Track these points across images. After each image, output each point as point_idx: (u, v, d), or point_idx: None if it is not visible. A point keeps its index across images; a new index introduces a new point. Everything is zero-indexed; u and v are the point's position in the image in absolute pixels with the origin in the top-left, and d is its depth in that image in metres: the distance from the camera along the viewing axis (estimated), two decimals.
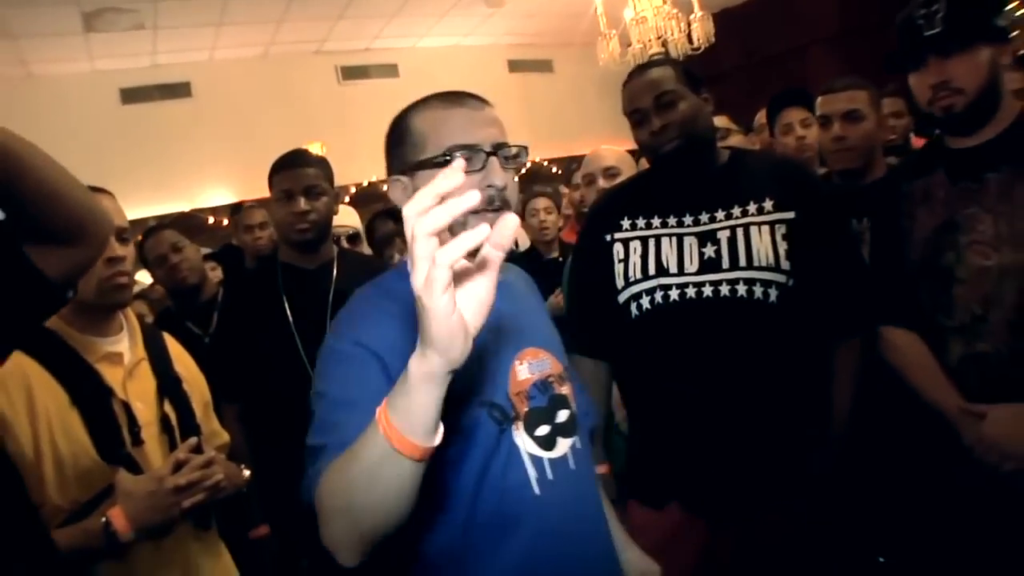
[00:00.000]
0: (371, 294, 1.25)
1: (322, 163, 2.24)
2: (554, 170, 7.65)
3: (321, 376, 1.14)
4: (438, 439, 0.88)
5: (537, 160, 7.71)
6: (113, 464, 1.46)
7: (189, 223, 6.23)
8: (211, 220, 6.41)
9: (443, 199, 0.75)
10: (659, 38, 5.60)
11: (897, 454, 1.92)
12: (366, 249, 3.37)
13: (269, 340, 2.12)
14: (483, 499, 1.10)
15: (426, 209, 0.75)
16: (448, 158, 1.14)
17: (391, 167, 1.25)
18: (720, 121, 2.95)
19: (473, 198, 0.75)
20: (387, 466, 0.88)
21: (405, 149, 1.21)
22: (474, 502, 1.10)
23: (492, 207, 1.14)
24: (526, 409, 1.20)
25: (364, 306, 1.22)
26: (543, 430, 1.21)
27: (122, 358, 1.58)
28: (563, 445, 1.23)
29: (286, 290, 2.18)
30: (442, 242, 0.75)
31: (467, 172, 1.04)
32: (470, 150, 1.15)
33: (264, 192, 7.11)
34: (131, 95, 6.34)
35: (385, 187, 6.66)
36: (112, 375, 1.53)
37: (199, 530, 1.60)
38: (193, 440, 1.55)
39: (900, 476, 1.91)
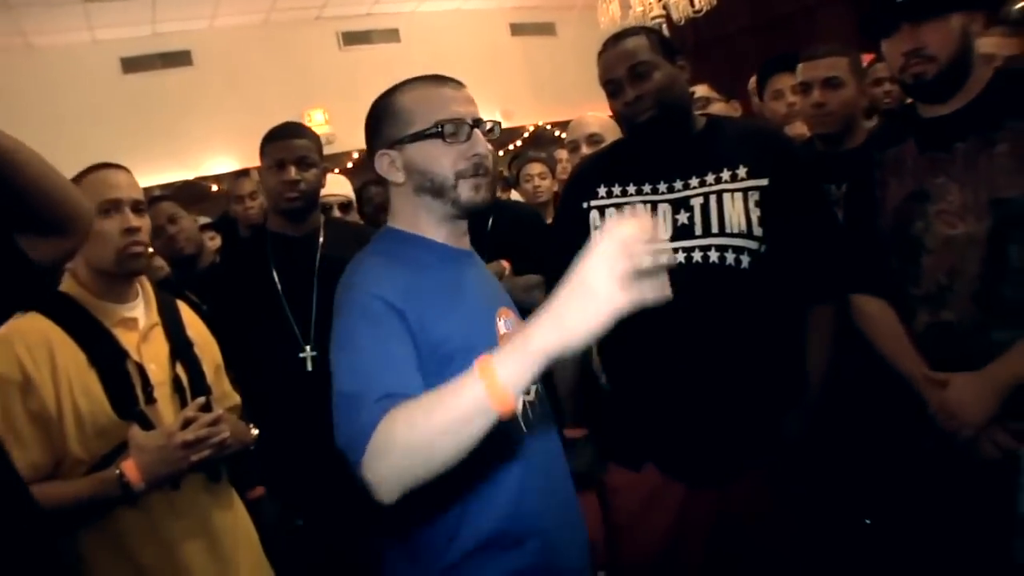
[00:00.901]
0: (377, 255, 1.35)
1: (312, 135, 2.32)
2: (557, 133, 7.66)
3: (348, 327, 1.23)
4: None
5: (540, 123, 7.72)
6: (128, 420, 1.57)
7: (193, 191, 6.30)
8: (215, 188, 6.48)
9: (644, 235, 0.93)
10: (660, 1, 5.60)
11: (870, 418, 1.95)
12: (357, 218, 3.43)
13: (258, 306, 2.21)
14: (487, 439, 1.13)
15: (637, 244, 0.93)
16: (438, 130, 1.30)
17: (376, 143, 1.37)
18: (702, 90, 2.97)
19: (663, 243, 0.96)
20: (479, 418, 0.99)
21: (392, 125, 1.34)
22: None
23: (479, 172, 1.33)
24: None
25: (374, 263, 1.32)
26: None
27: (137, 323, 1.68)
28: (532, 389, 1.40)
29: (275, 258, 2.26)
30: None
31: (453, 142, 1.31)
32: (456, 124, 1.31)
33: None
34: (132, 64, 6.35)
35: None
36: (127, 338, 1.63)
37: (210, 482, 1.70)
38: (201, 400, 1.66)
39: (873, 440, 1.94)
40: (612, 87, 1.83)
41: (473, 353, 1.15)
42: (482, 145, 1.34)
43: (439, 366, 1.21)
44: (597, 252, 0.94)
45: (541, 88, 7.74)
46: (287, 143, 2.24)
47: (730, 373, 1.74)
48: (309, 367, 2.17)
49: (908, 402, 1.73)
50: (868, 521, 2.21)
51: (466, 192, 1.32)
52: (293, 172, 2.19)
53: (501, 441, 1.22)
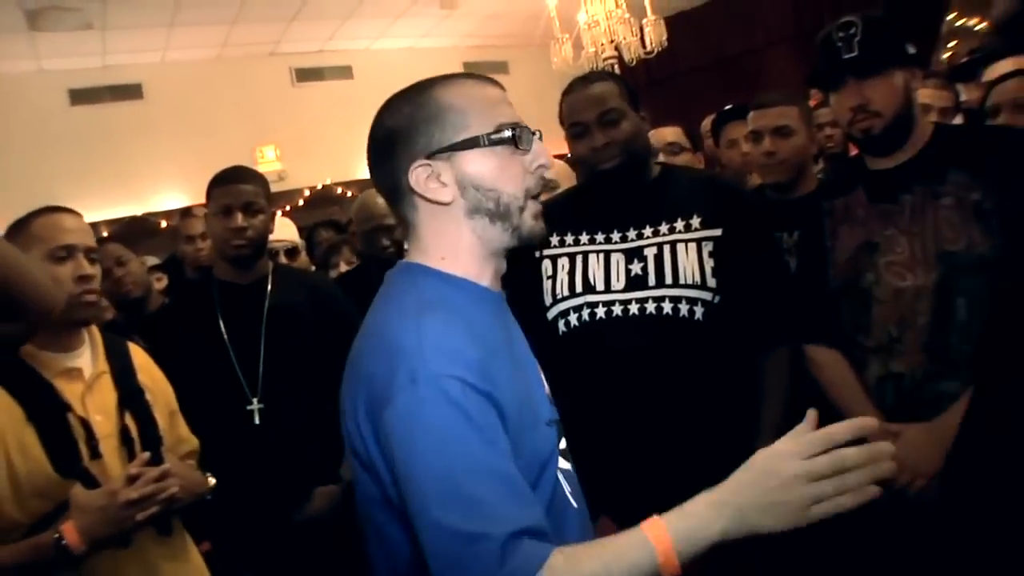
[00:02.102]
0: (430, 311, 1.00)
1: (260, 179, 2.27)
2: None
3: (425, 430, 0.91)
4: None
5: None
6: (70, 478, 1.49)
7: (141, 227, 6.16)
8: (163, 224, 6.36)
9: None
10: (612, 42, 5.70)
11: None
12: (305, 263, 3.39)
13: (204, 355, 2.15)
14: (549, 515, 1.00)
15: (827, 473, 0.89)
16: (511, 136, 1.05)
17: (409, 152, 1.06)
18: (673, 135, 3.00)
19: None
20: None
21: (436, 128, 1.05)
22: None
23: (542, 190, 1.11)
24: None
25: (432, 327, 0.98)
26: (563, 443, 1.17)
27: (82, 373, 1.62)
28: (567, 457, 1.18)
29: (222, 306, 2.21)
30: None
31: (521, 151, 1.06)
32: (523, 129, 1.07)
33: None
34: (81, 96, 6.25)
35: (340, 190, 6.71)
36: (70, 390, 1.57)
37: (161, 536, 1.64)
38: (146, 455, 1.59)
39: None
40: (578, 129, 1.82)
41: (541, 422, 1.06)
42: (546, 155, 1.10)
43: (531, 430, 1.03)
44: (801, 466, 0.91)
45: None
46: (234, 188, 2.18)
47: (685, 423, 1.73)
48: (257, 420, 2.12)
49: None
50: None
51: (530, 218, 1.08)
52: (240, 219, 2.14)
53: (556, 517, 1.07)
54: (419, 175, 1.05)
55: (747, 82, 6.31)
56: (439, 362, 0.93)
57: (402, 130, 1.07)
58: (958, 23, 4.55)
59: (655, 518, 0.93)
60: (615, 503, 1.78)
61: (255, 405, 2.12)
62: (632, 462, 1.75)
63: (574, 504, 1.13)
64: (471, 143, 1.04)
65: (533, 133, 1.09)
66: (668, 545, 0.90)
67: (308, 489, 2.13)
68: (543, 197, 2.54)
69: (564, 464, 1.14)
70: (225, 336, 2.17)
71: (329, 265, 3.30)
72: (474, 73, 1.14)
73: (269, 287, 2.24)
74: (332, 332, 2.09)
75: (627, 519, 1.74)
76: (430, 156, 1.05)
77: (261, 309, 2.19)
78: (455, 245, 1.07)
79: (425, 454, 0.90)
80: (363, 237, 2.82)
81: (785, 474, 0.90)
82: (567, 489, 1.12)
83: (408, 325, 0.97)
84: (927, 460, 1.60)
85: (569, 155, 1.90)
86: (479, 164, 1.05)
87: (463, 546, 0.86)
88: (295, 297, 2.24)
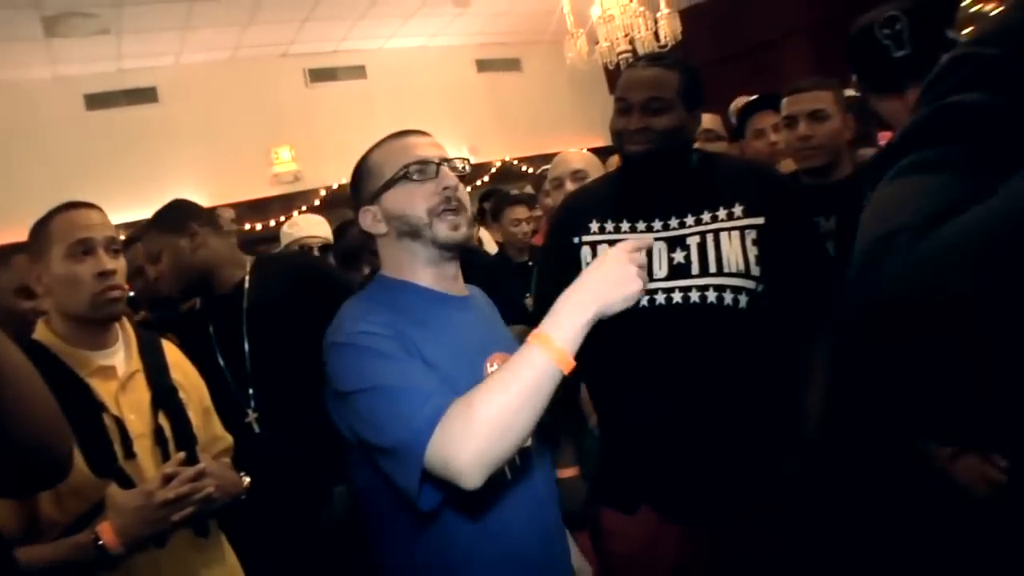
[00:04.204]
0: (360, 301, 1.39)
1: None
2: (524, 168, 7.68)
3: (356, 372, 1.24)
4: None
5: (507, 159, 7.74)
6: (105, 478, 1.48)
7: (197, 210, 6.14)
8: None
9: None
10: (626, 36, 5.66)
11: (869, 456, 1.92)
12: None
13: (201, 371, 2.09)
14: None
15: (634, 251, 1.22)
16: (405, 173, 1.37)
17: (359, 203, 1.44)
18: (710, 122, 2.96)
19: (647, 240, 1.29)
20: (548, 381, 1.14)
21: (367, 182, 1.42)
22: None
23: (452, 207, 1.37)
24: None
25: (355, 308, 1.35)
26: None
27: (115, 371, 1.60)
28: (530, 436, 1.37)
29: (210, 316, 2.23)
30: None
31: (423, 180, 1.37)
32: (421, 163, 1.38)
33: (234, 197, 7.07)
34: (96, 101, 6.24)
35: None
36: (104, 389, 1.55)
37: (198, 537, 1.61)
38: (181, 455, 1.57)
39: (873, 477, 1.91)
40: (623, 105, 1.78)
41: (455, 388, 1.21)
42: (450, 179, 1.39)
43: None
44: (610, 253, 1.24)
45: (507, 123, 7.77)
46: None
47: (727, 413, 1.71)
48: (256, 429, 2.11)
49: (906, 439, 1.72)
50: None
51: (443, 230, 1.36)
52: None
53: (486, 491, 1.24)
54: (365, 218, 1.42)
55: (762, 75, 6.24)
56: (352, 327, 1.28)
57: (354, 190, 1.47)
58: (973, 8, 4.51)
59: (535, 331, 1.17)
60: (656, 493, 1.77)
61: (251, 415, 2.11)
62: (674, 452, 1.72)
63: (508, 476, 1.34)
64: (385, 186, 1.38)
65: (442, 163, 1.39)
66: (548, 338, 1.15)
67: (328, 489, 2.10)
68: (572, 187, 2.59)
69: None
70: (217, 349, 2.15)
71: (354, 267, 3.27)
72: (403, 131, 1.45)
73: (247, 287, 2.21)
74: (323, 314, 2.07)
75: (668, 509, 1.74)
76: (368, 203, 1.41)
77: (240, 315, 2.16)
78: (399, 261, 1.42)
79: (357, 385, 1.22)
80: None
81: (613, 257, 1.21)
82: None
83: (342, 313, 1.35)
84: None
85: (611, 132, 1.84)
86: (393, 200, 1.38)
87: (392, 454, 1.17)
88: (274, 290, 2.19)
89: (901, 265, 0.66)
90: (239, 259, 2.29)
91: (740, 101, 3.40)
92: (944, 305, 0.64)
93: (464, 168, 1.45)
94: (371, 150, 1.45)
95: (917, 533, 1.74)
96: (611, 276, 1.19)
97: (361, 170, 1.45)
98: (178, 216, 2.19)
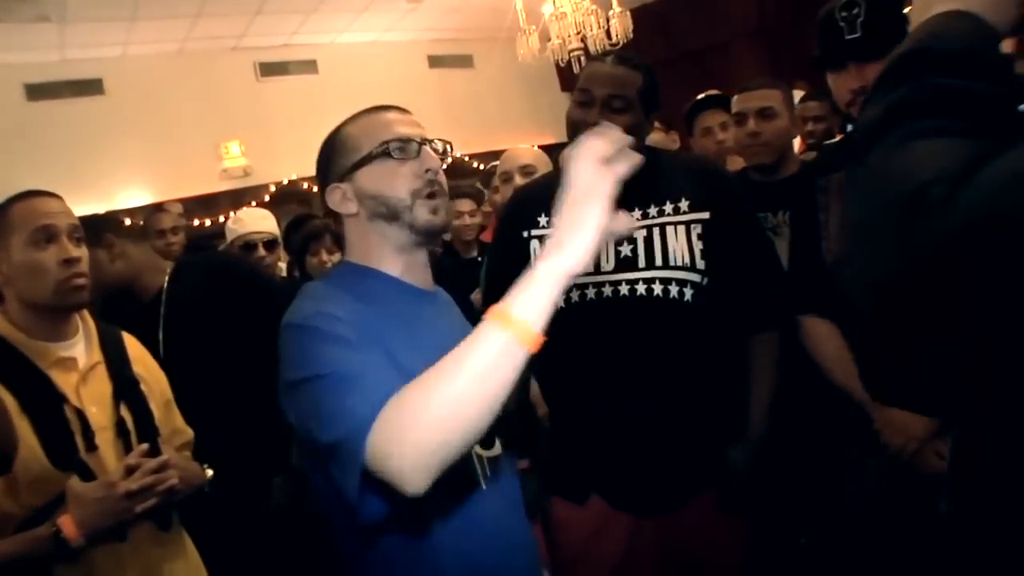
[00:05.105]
0: (322, 284, 1.28)
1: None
2: (475, 165, 7.70)
3: (307, 357, 1.10)
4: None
5: (458, 155, 7.72)
6: (66, 470, 1.46)
7: (111, 222, 6.01)
8: (128, 221, 6.22)
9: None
10: (578, 34, 5.72)
11: (813, 444, 2.00)
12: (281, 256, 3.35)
13: None
14: (437, 496, 1.03)
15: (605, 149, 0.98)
16: (385, 150, 1.25)
17: (327, 180, 1.31)
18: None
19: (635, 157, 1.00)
20: (507, 362, 0.95)
21: (339, 157, 1.30)
22: (430, 500, 1.02)
23: (435, 191, 1.27)
24: None
25: (316, 291, 1.24)
26: None
27: (76, 363, 1.58)
28: (498, 444, 1.31)
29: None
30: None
31: (404, 159, 1.26)
32: (404, 141, 1.26)
33: (182, 192, 6.93)
34: (38, 91, 6.04)
35: (306, 185, 6.64)
36: (65, 380, 1.53)
37: (160, 531, 1.61)
38: (145, 446, 1.56)
39: (814, 462, 1.99)
40: (584, 97, 1.79)
41: None
42: (433, 160, 1.29)
43: None
44: (575, 157, 1.01)
45: (459, 120, 7.75)
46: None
47: (674, 404, 1.75)
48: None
49: (851, 423, 1.78)
50: (803, 540, 2.26)
51: (423, 214, 1.26)
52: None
53: (453, 498, 1.19)
54: (333, 196, 1.30)
55: (711, 76, 6.36)
56: (307, 312, 1.15)
57: (321, 164, 1.34)
58: None
59: (493, 306, 1.00)
60: (605, 483, 1.80)
61: None
62: (622, 443, 1.76)
63: (483, 486, 1.25)
64: (361, 162, 1.27)
65: (424, 143, 1.28)
66: (505, 312, 0.97)
67: (267, 481, 2.10)
68: (521, 181, 2.62)
69: (482, 450, 1.27)
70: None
71: (309, 252, 3.24)
72: (381, 105, 1.34)
73: (164, 294, 2.22)
74: (246, 313, 2.06)
75: (617, 499, 1.78)
76: (339, 180, 1.29)
77: (158, 320, 2.17)
78: (367, 245, 1.30)
79: (299, 365, 1.10)
80: None
81: (576, 173, 1.02)
82: (478, 471, 1.26)
83: (301, 297, 1.21)
84: (921, 423, 1.65)
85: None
86: (369, 178, 1.27)
87: (336, 450, 1.01)
88: (193, 294, 2.20)
89: (946, 218, 0.63)
90: (159, 265, 2.31)
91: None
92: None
93: (445, 150, 1.34)
94: (345, 123, 1.33)
95: (864, 524, 1.80)
96: (582, 195, 1.00)
97: (332, 144, 1.32)
98: (93, 229, 2.17)
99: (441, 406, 0.95)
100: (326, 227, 2.98)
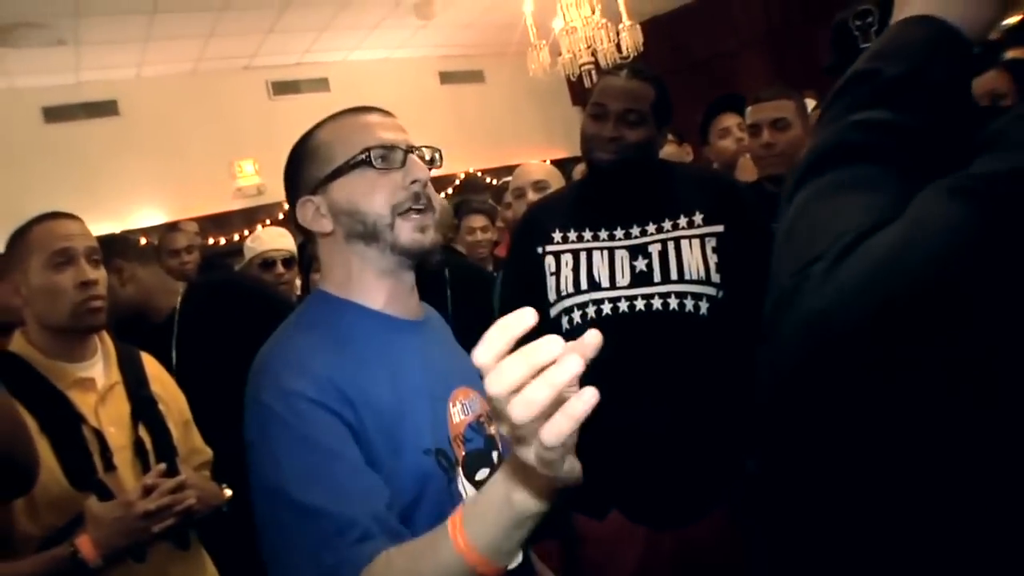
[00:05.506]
0: (294, 332, 1.11)
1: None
2: (488, 180, 7.72)
3: (273, 457, 0.96)
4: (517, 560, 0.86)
5: (470, 171, 7.76)
6: (84, 490, 1.47)
7: (119, 245, 6.05)
8: (143, 241, 6.27)
9: (538, 370, 0.63)
10: (589, 48, 5.73)
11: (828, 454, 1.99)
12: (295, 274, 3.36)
13: None
14: None
15: (518, 385, 0.63)
16: (364, 157, 1.09)
17: (297, 192, 1.15)
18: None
19: (574, 363, 0.63)
20: None
21: (311, 166, 1.13)
22: None
23: (421, 205, 1.11)
24: (463, 453, 1.12)
25: (286, 347, 1.07)
26: (483, 474, 1.12)
27: (95, 383, 1.59)
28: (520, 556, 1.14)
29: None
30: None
31: (387, 169, 1.09)
32: (387, 149, 1.10)
33: (196, 211, 6.98)
34: (54, 114, 6.11)
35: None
36: (84, 401, 1.54)
37: (179, 551, 1.60)
38: (162, 466, 1.56)
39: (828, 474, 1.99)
40: (598, 110, 1.80)
41: (411, 448, 1.03)
42: (421, 170, 1.11)
43: (392, 455, 1.01)
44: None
45: (471, 135, 7.79)
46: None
47: (691, 418, 1.74)
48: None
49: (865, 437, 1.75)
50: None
51: (407, 232, 1.10)
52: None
53: None
54: (305, 211, 1.13)
55: (720, 85, 6.37)
56: (278, 379, 0.99)
57: (291, 174, 1.16)
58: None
59: (455, 514, 0.84)
60: (623, 498, 1.79)
61: None
62: (638, 458, 1.75)
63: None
64: (336, 172, 1.10)
65: (410, 151, 1.12)
66: (465, 540, 0.81)
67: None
68: (533, 197, 2.62)
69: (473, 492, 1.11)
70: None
71: (313, 270, 3.26)
72: (359, 107, 1.17)
73: (177, 316, 2.23)
74: (257, 333, 2.06)
75: (635, 513, 1.76)
76: (311, 192, 1.12)
77: (171, 343, 2.19)
78: (346, 272, 1.13)
79: (263, 463, 0.97)
80: None
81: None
82: None
83: (272, 345, 1.07)
84: None
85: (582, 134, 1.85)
86: (344, 190, 1.10)
87: (303, 535, 0.91)
88: (205, 316, 2.22)
89: (816, 299, 0.63)
90: (170, 286, 2.32)
91: None
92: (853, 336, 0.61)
93: (434, 159, 1.17)
94: (318, 126, 1.16)
95: (868, 533, 1.79)
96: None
97: (303, 150, 1.15)
98: (103, 254, 2.21)
99: None
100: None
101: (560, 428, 0.63)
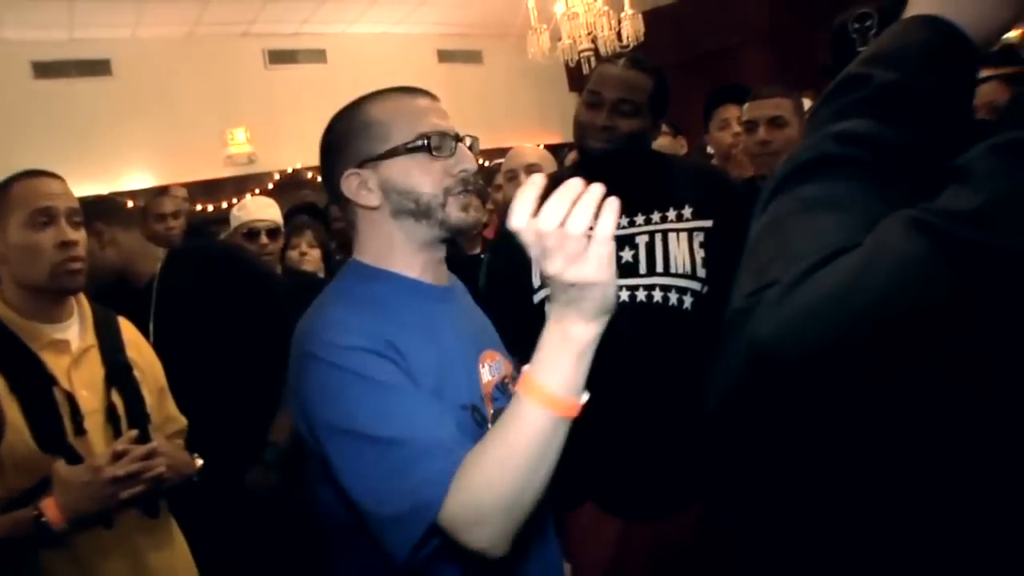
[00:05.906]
0: (336, 301, 1.18)
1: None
2: (480, 161, 7.68)
3: (342, 404, 1.04)
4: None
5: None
6: (53, 453, 1.44)
7: (101, 208, 5.99)
8: (131, 204, 6.21)
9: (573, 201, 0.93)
10: (589, 34, 5.70)
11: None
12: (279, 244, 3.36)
13: None
14: None
15: (565, 215, 0.94)
16: (423, 143, 1.16)
17: (342, 162, 1.20)
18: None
19: (597, 189, 0.95)
20: (555, 435, 0.98)
21: (363, 140, 1.18)
22: None
23: (468, 189, 1.20)
24: (492, 411, 1.21)
25: (333, 315, 1.14)
26: None
27: (69, 345, 1.56)
28: None
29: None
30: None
31: (439, 156, 1.17)
32: (441, 136, 1.17)
33: (186, 176, 6.89)
34: (45, 70, 6.00)
35: (310, 174, 6.62)
36: (56, 363, 1.52)
37: (147, 519, 1.59)
38: (134, 432, 1.54)
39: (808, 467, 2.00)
40: (594, 99, 1.78)
41: (451, 403, 1.11)
42: (469, 160, 1.20)
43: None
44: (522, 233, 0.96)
45: (467, 116, 7.65)
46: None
47: (669, 411, 1.74)
48: None
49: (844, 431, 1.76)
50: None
51: (456, 211, 1.18)
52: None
53: None
54: (350, 183, 1.18)
55: (721, 79, 6.34)
56: (336, 336, 1.07)
57: (337, 144, 1.21)
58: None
59: (523, 376, 1.00)
60: (600, 489, 1.79)
61: None
62: (617, 449, 1.75)
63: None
64: (391, 152, 1.16)
65: (460, 139, 1.20)
66: (539, 389, 0.97)
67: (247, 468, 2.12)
68: (525, 180, 2.59)
69: None
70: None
71: (289, 246, 3.25)
72: (408, 87, 1.24)
73: (156, 282, 2.20)
74: (237, 303, 2.04)
75: (612, 505, 1.76)
76: (359, 166, 1.18)
77: (149, 308, 2.16)
78: (387, 243, 1.20)
79: (332, 414, 1.04)
80: None
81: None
82: None
83: (316, 311, 1.15)
84: None
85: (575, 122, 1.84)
86: (399, 170, 1.16)
87: (393, 524, 0.98)
88: (184, 283, 2.19)
89: (763, 327, 0.63)
90: (150, 252, 2.29)
91: None
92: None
93: (475, 147, 1.26)
94: (367, 101, 1.21)
95: (847, 526, 1.79)
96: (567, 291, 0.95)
97: (352, 123, 1.20)
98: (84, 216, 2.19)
99: (505, 499, 0.96)
100: (308, 224, 2.97)
101: (607, 225, 0.94)
